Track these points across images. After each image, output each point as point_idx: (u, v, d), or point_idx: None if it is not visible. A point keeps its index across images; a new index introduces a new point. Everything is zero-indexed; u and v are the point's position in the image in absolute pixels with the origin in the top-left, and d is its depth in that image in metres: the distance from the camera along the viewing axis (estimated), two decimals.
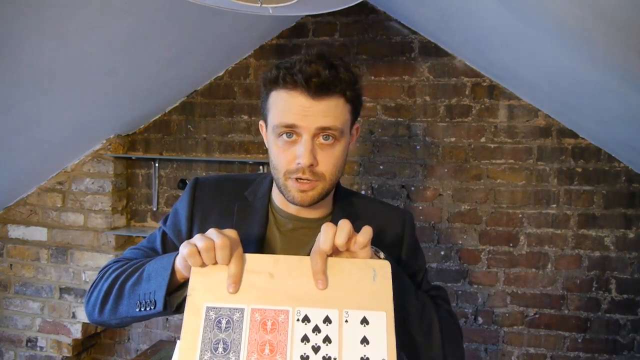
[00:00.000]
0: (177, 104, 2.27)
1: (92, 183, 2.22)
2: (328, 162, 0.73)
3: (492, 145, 2.02)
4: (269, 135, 0.76)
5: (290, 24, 2.14)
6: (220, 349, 0.59)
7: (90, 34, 1.47)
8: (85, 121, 2.01)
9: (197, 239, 0.62)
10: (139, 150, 2.31)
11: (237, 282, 0.62)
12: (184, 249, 0.62)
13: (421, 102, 2.06)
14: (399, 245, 0.86)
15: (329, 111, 0.70)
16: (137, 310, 0.69)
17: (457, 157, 2.05)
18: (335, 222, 0.74)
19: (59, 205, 2.24)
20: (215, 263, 0.62)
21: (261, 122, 0.79)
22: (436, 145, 2.07)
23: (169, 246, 0.84)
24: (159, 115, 2.28)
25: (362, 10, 2.07)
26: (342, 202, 0.85)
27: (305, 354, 0.59)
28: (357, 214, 0.84)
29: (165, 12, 1.55)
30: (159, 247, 0.85)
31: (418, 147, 2.08)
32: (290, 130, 0.71)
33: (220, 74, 2.22)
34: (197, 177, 0.88)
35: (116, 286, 0.74)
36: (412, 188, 2.09)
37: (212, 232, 0.63)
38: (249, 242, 0.79)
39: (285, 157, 0.73)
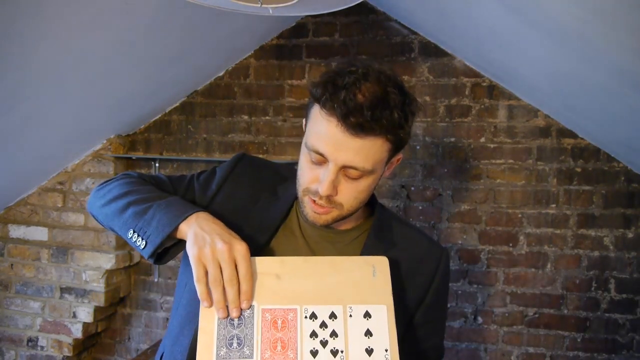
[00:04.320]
0: (177, 104, 2.27)
1: (93, 183, 2.22)
2: (349, 194, 0.71)
3: (492, 145, 2.03)
4: (303, 145, 0.73)
5: (291, 24, 2.14)
6: (235, 344, 0.63)
7: (90, 34, 1.47)
8: (85, 121, 2.01)
9: (213, 285, 0.63)
10: (140, 150, 2.31)
11: (249, 299, 0.64)
12: (197, 284, 0.63)
13: (421, 102, 2.06)
14: (427, 285, 0.82)
15: (361, 151, 0.66)
16: (129, 236, 0.71)
17: (457, 157, 2.05)
18: (369, 243, 0.79)
19: (59, 205, 2.25)
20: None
21: (304, 120, 0.77)
22: (436, 145, 2.07)
23: (189, 195, 0.84)
24: (159, 115, 2.29)
25: (362, 10, 2.07)
26: (380, 225, 0.82)
27: (314, 348, 0.63)
28: (394, 241, 0.81)
29: (165, 12, 1.55)
30: (180, 193, 0.85)
31: (418, 147, 2.08)
32: (320, 157, 0.69)
33: (221, 74, 2.22)
34: (244, 152, 0.89)
35: (124, 201, 0.75)
36: (412, 188, 2.09)
37: (223, 258, 0.63)
38: (262, 233, 0.79)
39: (309, 175, 0.72)
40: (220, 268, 0.63)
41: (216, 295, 0.63)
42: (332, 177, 0.68)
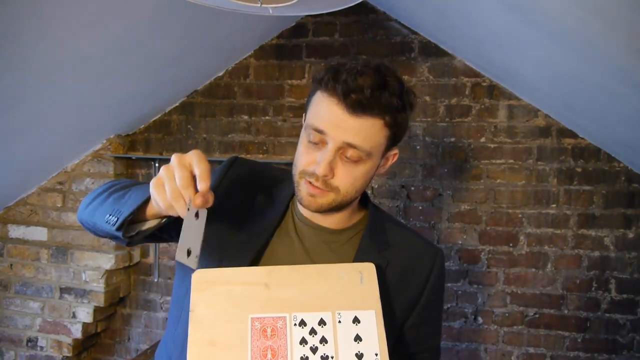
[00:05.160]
0: (177, 104, 2.27)
1: (93, 183, 2.22)
2: (345, 178, 0.72)
3: (492, 145, 2.02)
4: (302, 131, 0.75)
5: (290, 24, 2.14)
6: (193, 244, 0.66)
7: (90, 34, 1.47)
8: (85, 121, 2.01)
9: (163, 172, 0.63)
10: (139, 150, 2.31)
11: (206, 179, 0.61)
12: (158, 199, 0.63)
13: (421, 102, 2.07)
14: (422, 286, 0.82)
15: (361, 130, 0.68)
16: (106, 219, 0.70)
17: (457, 157, 2.05)
18: (364, 243, 0.78)
19: (59, 205, 2.25)
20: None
21: (305, 114, 0.79)
22: (436, 145, 2.07)
23: None
24: (159, 115, 2.29)
25: (362, 10, 2.07)
26: (375, 226, 0.83)
27: (304, 355, 0.64)
28: (388, 242, 0.82)
29: (165, 12, 1.55)
30: None
31: (418, 147, 2.08)
32: (319, 135, 0.70)
33: (220, 74, 2.22)
34: (237, 156, 0.89)
35: (106, 193, 0.77)
36: (412, 188, 2.09)
37: (175, 164, 0.63)
38: (258, 235, 0.79)
39: (306, 158, 0.72)
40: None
41: (170, 192, 0.61)
42: (330, 158, 0.69)
